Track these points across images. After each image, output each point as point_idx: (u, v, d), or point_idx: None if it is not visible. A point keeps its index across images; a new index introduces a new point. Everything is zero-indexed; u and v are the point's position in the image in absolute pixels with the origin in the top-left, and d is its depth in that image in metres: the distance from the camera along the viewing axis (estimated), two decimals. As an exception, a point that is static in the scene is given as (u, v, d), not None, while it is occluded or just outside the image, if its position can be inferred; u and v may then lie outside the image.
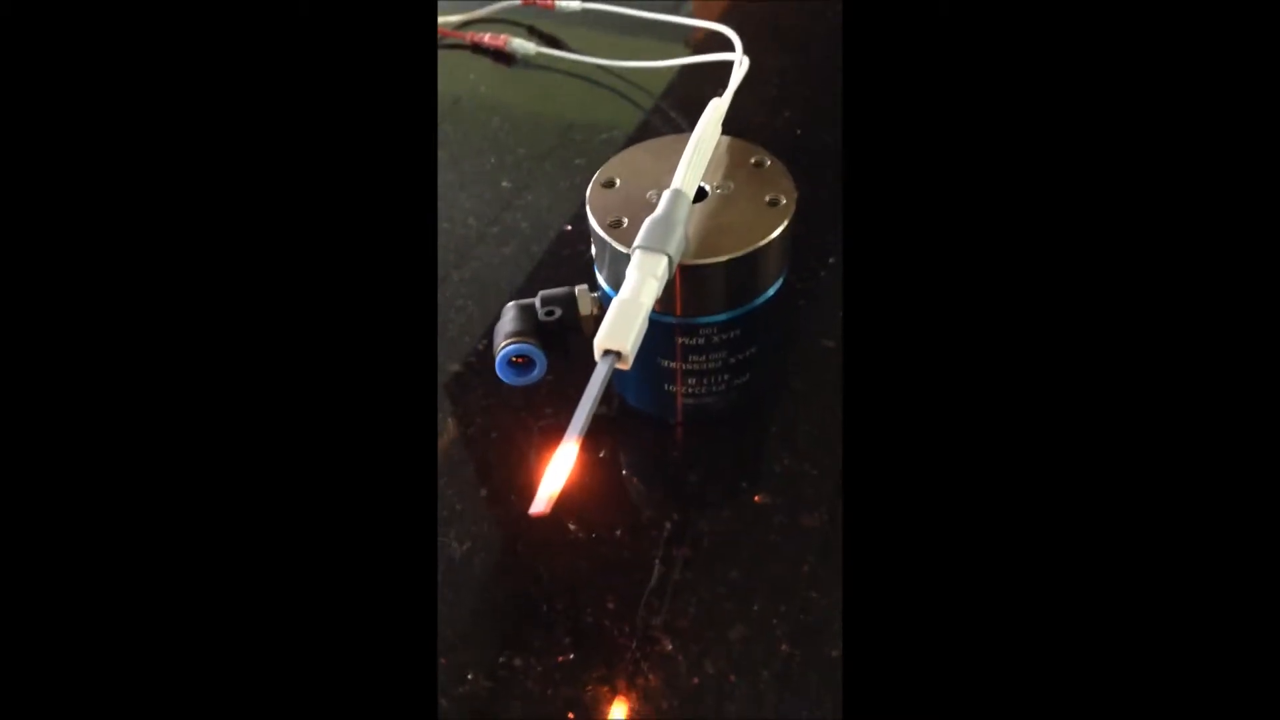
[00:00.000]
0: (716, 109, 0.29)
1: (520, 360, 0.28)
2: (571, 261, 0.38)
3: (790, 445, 0.31)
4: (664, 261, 0.24)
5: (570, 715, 0.25)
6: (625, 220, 0.27)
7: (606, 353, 0.22)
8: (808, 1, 0.54)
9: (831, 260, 0.37)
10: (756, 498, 0.30)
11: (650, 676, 0.25)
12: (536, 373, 0.28)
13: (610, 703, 0.25)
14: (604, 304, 0.29)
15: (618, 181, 0.28)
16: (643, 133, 0.45)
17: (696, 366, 0.29)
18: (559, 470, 0.20)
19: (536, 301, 0.29)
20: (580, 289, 0.29)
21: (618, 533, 0.29)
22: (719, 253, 0.26)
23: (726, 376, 0.30)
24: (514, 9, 0.52)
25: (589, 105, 0.48)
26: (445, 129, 0.46)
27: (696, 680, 0.25)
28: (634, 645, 0.26)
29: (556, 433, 0.21)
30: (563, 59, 0.49)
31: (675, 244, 0.25)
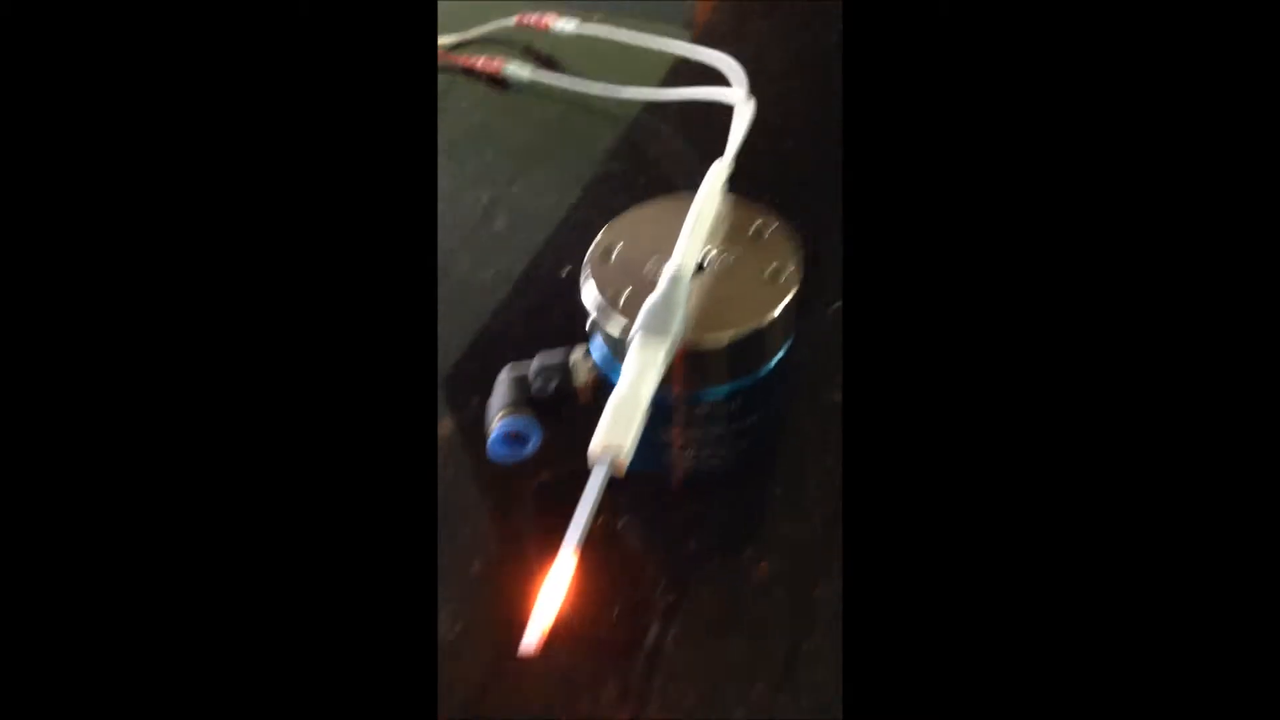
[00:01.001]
0: (717, 176, 0.27)
1: (515, 435, 0.27)
2: (564, 304, 0.37)
3: (795, 505, 0.30)
4: (665, 347, 0.23)
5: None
6: (626, 290, 0.26)
7: (606, 449, 0.21)
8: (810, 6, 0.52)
9: (838, 305, 0.36)
10: (761, 566, 0.29)
11: (650, 772, 0.24)
12: (531, 447, 0.27)
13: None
14: (600, 370, 0.28)
15: (616, 248, 0.27)
16: (640, 161, 0.44)
17: (697, 436, 0.28)
18: (551, 600, 0.19)
19: (530, 371, 0.28)
20: (575, 357, 0.28)
21: (615, 611, 0.28)
22: (721, 328, 0.25)
23: (728, 442, 0.29)
24: (507, 30, 0.50)
25: (584, 133, 0.46)
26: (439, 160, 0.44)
27: (698, 776, 0.24)
28: (633, 736, 0.25)
29: (550, 495, 0.20)
30: (557, 86, 0.47)
31: (676, 327, 0.23)
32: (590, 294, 0.26)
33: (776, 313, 0.25)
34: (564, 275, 0.38)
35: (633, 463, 0.30)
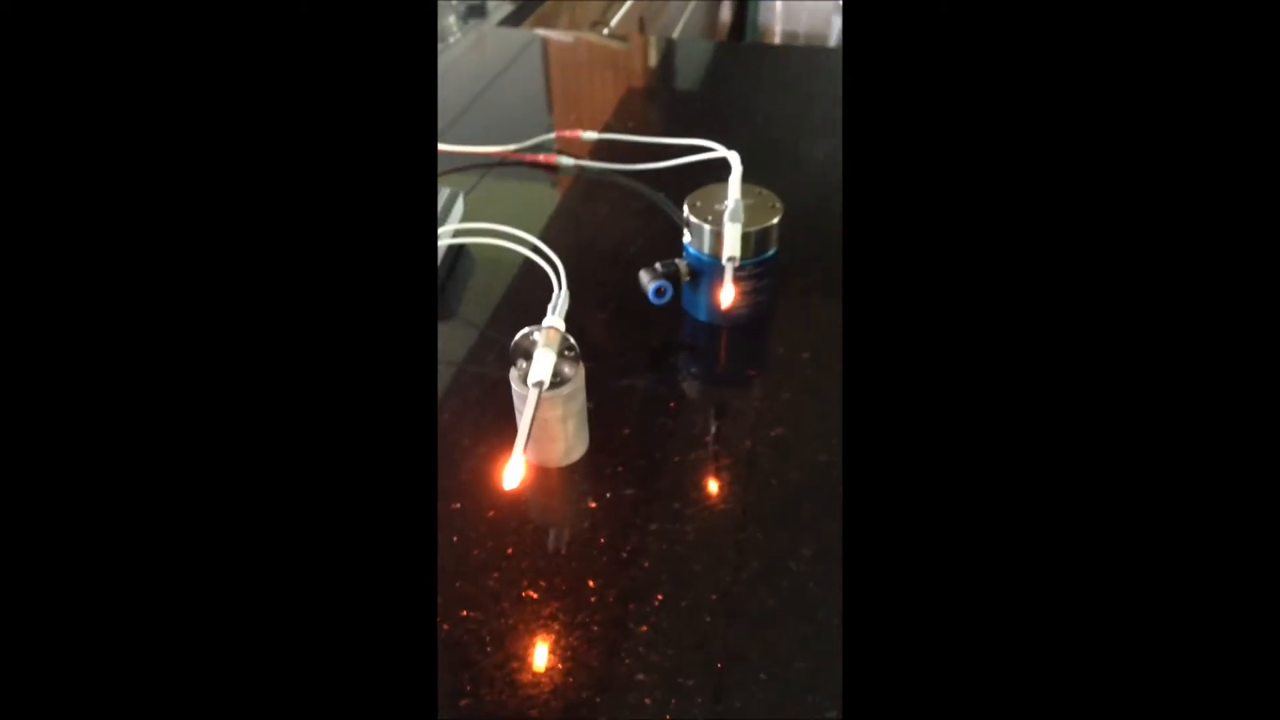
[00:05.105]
0: (737, 174, 0.60)
1: (661, 290, 0.57)
2: (639, 257, 0.67)
3: (787, 338, 0.61)
4: (739, 227, 0.55)
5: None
6: (709, 217, 0.57)
7: (729, 259, 0.53)
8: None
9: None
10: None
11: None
12: (668, 296, 0.57)
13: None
14: (693, 266, 0.59)
15: (698, 203, 0.59)
16: (648, 207, 0.76)
17: (742, 290, 0.59)
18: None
19: (657, 266, 0.59)
20: (678, 261, 0.59)
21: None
22: (754, 224, 0.56)
23: (753, 296, 0.59)
24: (550, 140, 0.83)
25: (617, 188, 0.78)
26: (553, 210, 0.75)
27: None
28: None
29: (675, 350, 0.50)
30: (591, 167, 0.79)
31: (740, 219, 0.55)
32: (691, 220, 0.57)
33: (776, 220, 0.57)
34: (633, 250, 0.69)
35: (702, 318, 0.61)
